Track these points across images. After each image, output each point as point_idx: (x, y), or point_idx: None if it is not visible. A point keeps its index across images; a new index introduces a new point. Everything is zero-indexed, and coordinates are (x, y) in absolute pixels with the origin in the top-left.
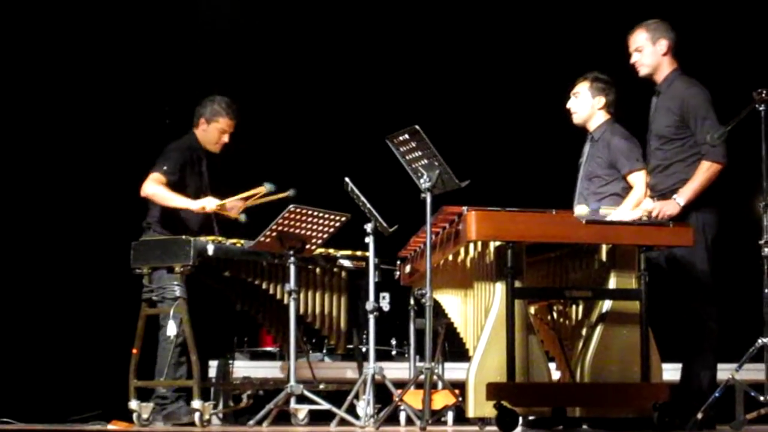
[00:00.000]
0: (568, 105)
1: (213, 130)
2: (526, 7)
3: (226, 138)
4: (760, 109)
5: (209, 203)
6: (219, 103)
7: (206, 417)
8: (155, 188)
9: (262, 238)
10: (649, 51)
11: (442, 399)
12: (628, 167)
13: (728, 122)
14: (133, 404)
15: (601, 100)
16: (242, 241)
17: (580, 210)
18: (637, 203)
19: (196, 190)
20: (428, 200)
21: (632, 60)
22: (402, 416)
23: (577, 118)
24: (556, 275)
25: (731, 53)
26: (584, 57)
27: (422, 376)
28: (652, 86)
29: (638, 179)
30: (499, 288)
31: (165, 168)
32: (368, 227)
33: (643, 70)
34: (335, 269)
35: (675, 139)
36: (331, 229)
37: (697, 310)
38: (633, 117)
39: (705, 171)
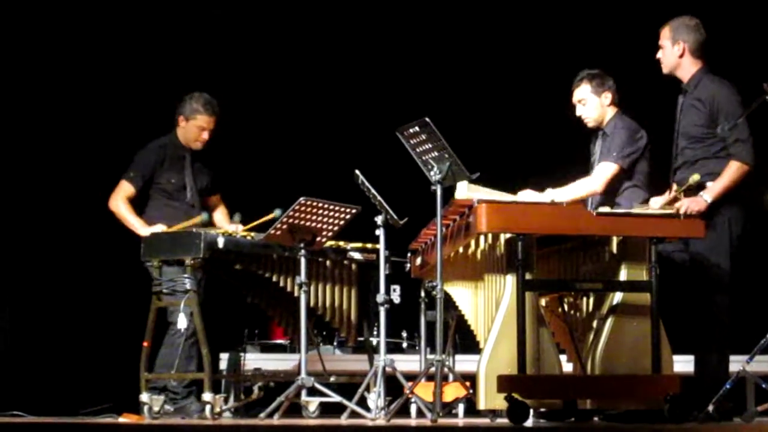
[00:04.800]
0: (578, 114)
1: (192, 128)
2: None
3: (206, 135)
4: None
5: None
6: (197, 100)
7: (217, 410)
8: (117, 205)
9: (273, 231)
10: (668, 51)
11: (452, 391)
12: (607, 157)
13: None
14: (144, 397)
15: (608, 96)
16: (253, 234)
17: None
18: (586, 191)
19: (178, 187)
20: (439, 192)
21: (657, 55)
22: (413, 408)
23: (591, 123)
24: (566, 267)
25: (742, 45)
26: (594, 48)
27: (433, 369)
28: (678, 83)
29: (603, 170)
30: (510, 280)
31: (131, 175)
32: (379, 219)
33: (663, 68)
34: (346, 262)
35: (703, 138)
36: (342, 222)
37: (710, 303)
38: (658, 115)
39: (733, 171)
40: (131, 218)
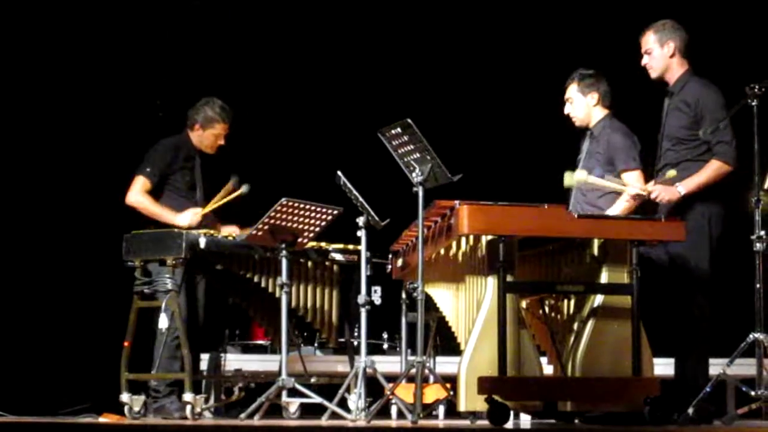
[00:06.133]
0: (566, 112)
1: (209, 136)
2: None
3: (221, 141)
4: (753, 104)
5: (194, 217)
6: (213, 108)
7: (197, 410)
8: (139, 199)
9: (254, 232)
10: (657, 54)
11: (433, 393)
12: (623, 165)
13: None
14: (125, 397)
15: (594, 96)
16: (234, 234)
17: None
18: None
19: (189, 187)
20: (420, 194)
21: (643, 62)
22: (393, 410)
23: (577, 122)
24: (547, 269)
25: (724, 48)
26: (577, 49)
27: (413, 370)
28: (664, 86)
29: (632, 179)
30: (491, 282)
31: (148, 170)
32: (360, 221)
33: (652, 73)
34: (327, 263)
35: (687, 140)
36: (324, 223)
37: (690, 305)
38: (642, 117)
39: (713, 169)
40: (160, 210)
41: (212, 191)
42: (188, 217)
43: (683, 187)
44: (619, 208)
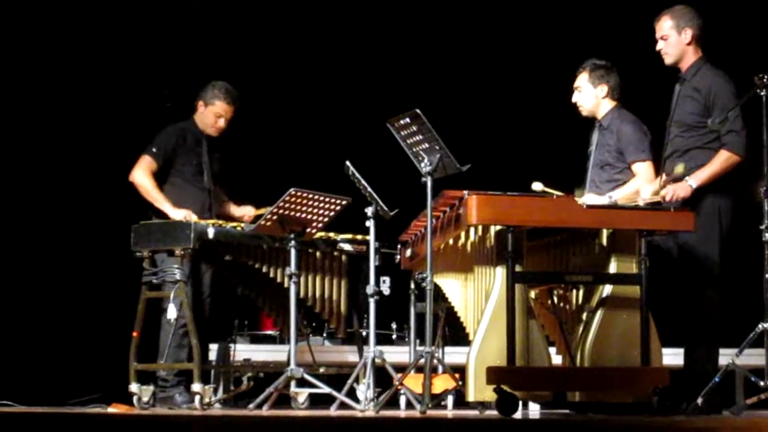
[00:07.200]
0: (573, 100)
1: (209, 113)
2: None
3: (222, 122)
4: (762, 94)
5: (188, 217)
6: (219, 88)
7: (206, 400)
8: (142, 179)
9: (263, 222)
10: (674, 40)
11: (442, 383)
12: (633, 156)
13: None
14: (134, 387)
15: (604, 89)
16: (243, 225)
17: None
18: (635, 191)
19: (196, 170)
20: (429, 184)
21: (657, 47)
22: (402, 400)
23: (584, 111)
24: (556, 260)
25: (733, 37)
26: (586, 38)
27: (422, 360)
28: (676, 72)
29: (642, 170)
30: (500, 272)
31: (154, 150)
32: (369, 211)
33: (667, 59)
34: (336, 253)
35: (697, 127)
36: (332, 213)
37: (699, 296)
38: (652, 103)
39: (723, 160)
40: (159, 197)
41: (219, 176)
42: (182, 215)
43: (694, 181)
44: (626, 192)
